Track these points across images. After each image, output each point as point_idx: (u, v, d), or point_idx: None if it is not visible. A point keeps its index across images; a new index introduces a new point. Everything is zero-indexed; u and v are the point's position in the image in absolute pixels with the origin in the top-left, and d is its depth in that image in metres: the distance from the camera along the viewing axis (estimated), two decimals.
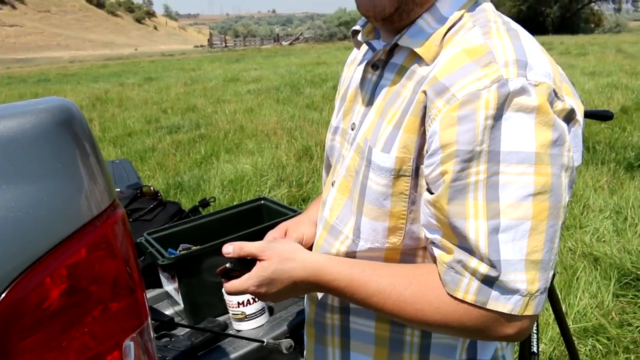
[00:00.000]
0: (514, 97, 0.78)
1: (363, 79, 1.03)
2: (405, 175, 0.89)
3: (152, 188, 1.97)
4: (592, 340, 2.70)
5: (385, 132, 0.92)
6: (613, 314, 2.88)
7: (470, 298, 0.82)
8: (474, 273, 0.81)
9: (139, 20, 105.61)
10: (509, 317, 0.82)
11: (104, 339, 0.84)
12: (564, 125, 0.81)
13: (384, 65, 0.99)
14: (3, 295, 0.71)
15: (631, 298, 3.00)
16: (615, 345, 2.65)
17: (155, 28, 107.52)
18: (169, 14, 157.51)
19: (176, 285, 1.51)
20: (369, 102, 1.00)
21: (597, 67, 12.74)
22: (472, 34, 0.88)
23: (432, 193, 0.86)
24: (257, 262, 0.96)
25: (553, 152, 0.79)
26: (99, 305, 0.82)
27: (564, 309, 2.65)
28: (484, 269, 0.80)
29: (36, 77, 20.91)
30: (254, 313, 1.47)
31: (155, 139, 7.64)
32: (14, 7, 78.67)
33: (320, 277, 0.93)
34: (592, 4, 54.19)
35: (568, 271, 3.19)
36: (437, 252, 0.87)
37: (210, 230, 1.71)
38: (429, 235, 0.88)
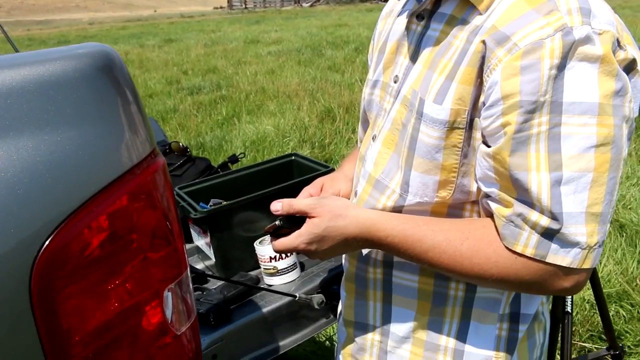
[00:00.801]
0: (578, 46, 0.76)
1: (407, 29, 0.99)
2: (459, 128, 0.87)
3: (180, 144, 1.97)
4: (616, 306, 2.69)
5: (437, 83, 0.89)
6: (638, 280, 2.86)
7: (529, 252, 0.82)
8: (534, 226, 0.80)
9: None
10: (567, 270, 0.81)
11: (143, 288, 0.84)
12: (625, 75, 0.79)
13: (430, 15, 0.95)
14: (47, 242, 0.70)
15: None
16: (638, 312, 2.64)
17: None
18: None
19: (208, 239, 1.51)
20: (414, 54, 0.97)
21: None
22: None
23: (489, 146, 0.83)
24: (307, 219, 0.95)
25: (615, 102, 0.77)
26: (138, 255, 0.82)
27: None
28: (545, 221, 0.79)
29: (56, 39, 20.96)
30: (286, 268, 1.46)
31: (177, 100, 7.66)
32: None
33: (373, 233, 0.92)
34: None
35: None
36: (494, 205, 0.85)
37: (241, 185, 1.70)
38: (485, 189, 0.86)
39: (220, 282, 1.46)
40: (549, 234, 0.80)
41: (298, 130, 5.39)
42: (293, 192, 1.22)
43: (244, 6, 53.64)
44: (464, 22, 0.88)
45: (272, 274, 1.47)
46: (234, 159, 1.99)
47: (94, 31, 25.90)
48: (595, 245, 0.80)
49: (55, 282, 0.72)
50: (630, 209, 3.56)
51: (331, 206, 0.95)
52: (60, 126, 0.73)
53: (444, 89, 0.87)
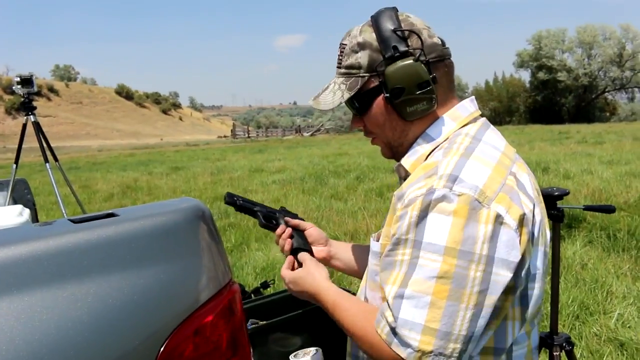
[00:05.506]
0: (437, 203, 1.05)
1: None
2: None
3: None
4: None
5: (382, 228, 1.24)
6: None
7: (383, 337, 1.09)
8: (387, 320, 1.08)
9: (165, 112, 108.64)
10: None
11: None
12: (481, 228, 1.04)
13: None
14: (162, 348, 0.97)
15: None
16: None
17: (181, 119, 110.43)
18: (194, 106, 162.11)
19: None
20: None
21: (614, 156, 12.56)
22: (438, 153, 1.18)
23: None
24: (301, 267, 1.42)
25: (463, 248, 1.03)
26: (222, 357, 1.08)
27: None
28: (390, 320, 1.07)
29: (67, 165, 21.41)
30: None
31: None
32: (49, 99, 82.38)
33: (319, 292, 1.31)
34: (606, 93, 54.51)
35: (595, 355, 3.29)
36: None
37: (272, 308, 1.96)
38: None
39: None
40: (392, 330, 1.06)
41: None
42: (319, 315, 1.48)
43: (247, 135, 55.55)
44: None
45: None
46: (265, 284, 2.26)
47: (103, 158, 26.49)
48: (429, 353, 1.03)
49: None
50: (629, 327, 3.67)
51: (314, 265, 1.39)
52: (175, 259, 1.03)
53: (382, 231, 1.22)
